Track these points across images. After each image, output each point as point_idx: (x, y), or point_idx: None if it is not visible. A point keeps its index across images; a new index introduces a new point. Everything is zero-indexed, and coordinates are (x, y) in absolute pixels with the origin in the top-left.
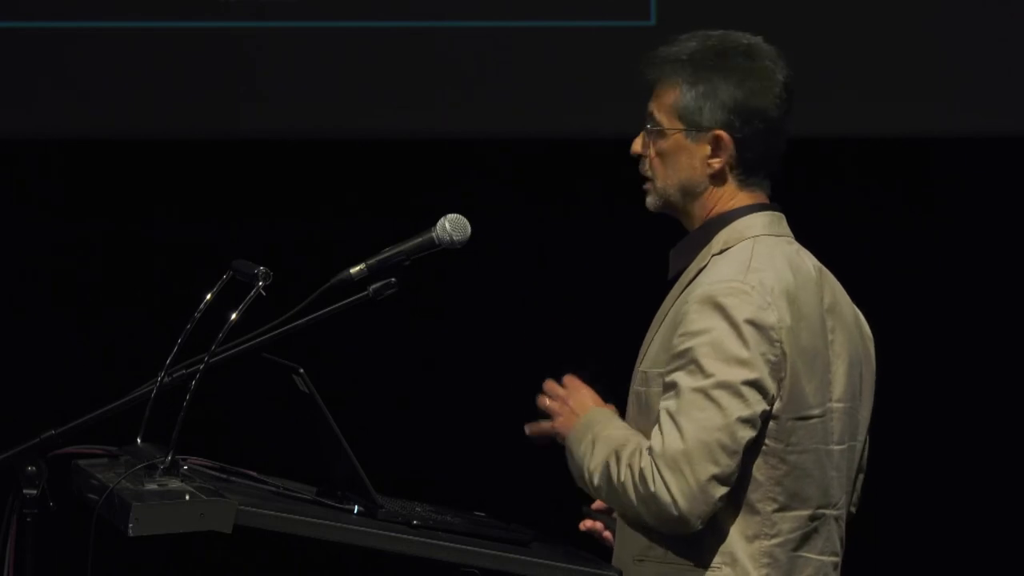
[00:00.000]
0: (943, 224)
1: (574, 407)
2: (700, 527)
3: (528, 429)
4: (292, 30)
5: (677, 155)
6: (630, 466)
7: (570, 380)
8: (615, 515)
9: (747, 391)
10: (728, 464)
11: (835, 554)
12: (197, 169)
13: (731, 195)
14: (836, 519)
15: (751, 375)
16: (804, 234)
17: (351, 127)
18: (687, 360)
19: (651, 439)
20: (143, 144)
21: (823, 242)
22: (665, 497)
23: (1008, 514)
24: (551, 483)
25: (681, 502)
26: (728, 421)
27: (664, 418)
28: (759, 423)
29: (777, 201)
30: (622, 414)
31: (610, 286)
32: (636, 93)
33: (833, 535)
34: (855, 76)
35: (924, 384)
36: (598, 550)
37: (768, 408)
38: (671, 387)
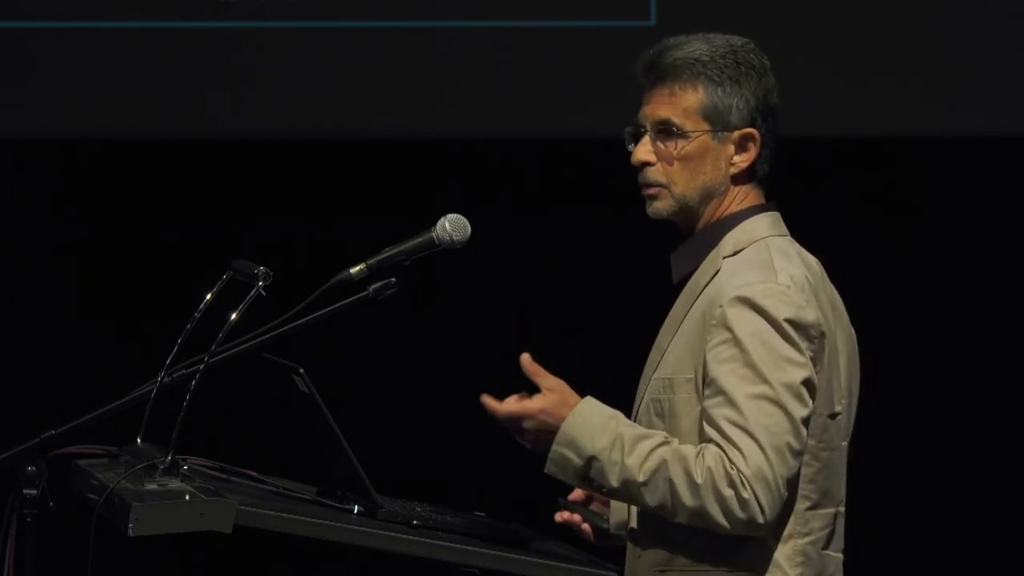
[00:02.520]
0: (942, 224)
1: (543, 424)
2: (769, 531)
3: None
4: (292, 30)
5: (703, 157)
6: (711, 469)
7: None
8: (594, 507)
9: (803, 391)
10: (795, 466)
11: (842, 551)
12: (197, 169)
13: (745, 194)
14: (842, 515)
15: (804, 374)
16: (804, 234)
17: (351, 127)
18: (739, 364)
19: (725, 451)
20: (143, 144)
21: (822, 242)
22: (755, 507)
23: (1001, 513)
24: (550, 483)
25: (768, 513)
26: (794, 423)
27: (732, 430)
28: (810, 422)
29: (776, 201)
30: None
31: (611, 287)
32: (636, 94)
33: (841, 532)
34: (854, 76)
35: (924, 384)
36: (581, 544)
37: (812, 405)
38: (722, 393)
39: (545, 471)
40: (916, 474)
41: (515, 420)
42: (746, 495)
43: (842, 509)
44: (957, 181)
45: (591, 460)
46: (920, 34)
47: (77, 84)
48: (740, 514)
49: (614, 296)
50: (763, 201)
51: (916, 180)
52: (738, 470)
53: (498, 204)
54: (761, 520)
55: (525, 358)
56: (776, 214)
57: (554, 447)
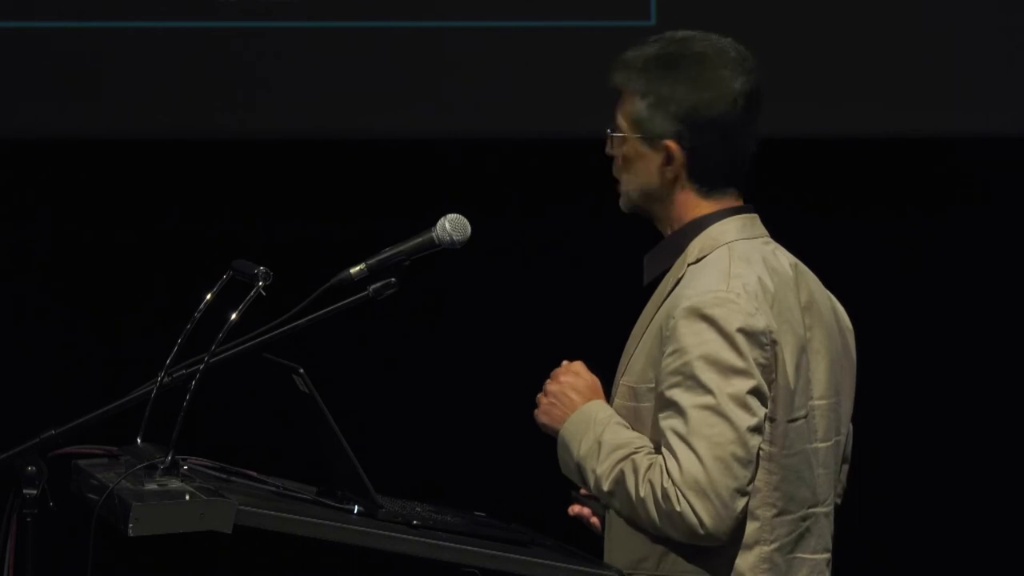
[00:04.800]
0: (942, 224)
1: (560, 399)
2: (727, 539)
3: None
4: (292, 30)
5: (636, 161)
6: (651, 482)
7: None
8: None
9: (750, 400)
10: (745, 475)
11: (827, 550)
12: (197, 169)
13: (695, 203)
14: (826, 515)
15: (751, 383)
16: (803, 234)
17: (351, 127)
18: (684, 376)
19: (665, 462)
20: (143, 144)
21: (822, 242)
22: (692, 519)
23: (1000, 511)
24: (551, 483)
25: (708, 523)
26: (739, 433)
27: (675, 440)
28: (763, 429)
29: (780, 202)
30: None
31: (610, 287)
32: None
33: (824, 532)
34: (854, 77)
35: (924, 384)
36: (590, 539)
37: (765, 412)
38: (670, 405)
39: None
40: (920, 475)
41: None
42: (679, 508)
43: (820, 510)
44: (957, 181)
45: (578, 464)
46: (920, 34)
47: (77, 84)
48: (679, 526)
49: (614, 296)
50: (734, 204)
51: (917, 180)
52: (672, 482)
53: (498, 204)
54: (702, 532)
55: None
56: (748, 216)
57: (558, 447)
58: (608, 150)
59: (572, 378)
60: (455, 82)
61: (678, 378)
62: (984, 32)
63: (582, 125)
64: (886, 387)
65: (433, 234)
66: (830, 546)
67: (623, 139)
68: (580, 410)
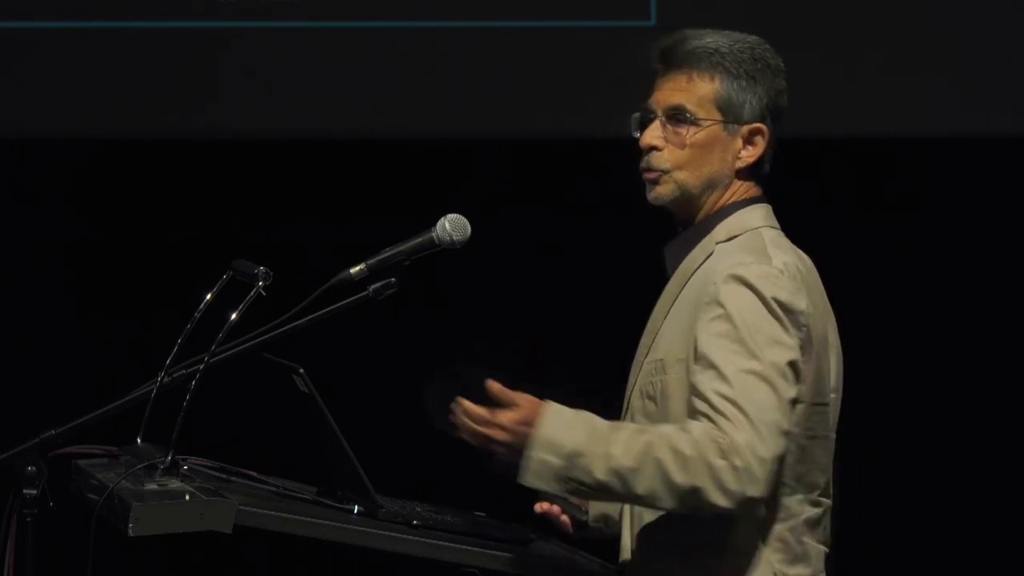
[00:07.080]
0: (942, 224)
1: (517, 436)
2: (755, 508)
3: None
4: (292, 30)
5: (711, 147)
6: (698, 441)
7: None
8: (573, 499)
9: (790, 373)
10: (783, 444)
11: (828, 544)
12: (197, 169)
13: (746, 190)
14: (830, 509)
15: (791, 356)
16: (802, 234)
17: (351, 127)
18: (729, 340)
19: (714, 421)
20: (143, 144)
21: (822, 241)
22: (747, 478)
23: (1000, 512)
24: None
25: (763, 486)
26: (782, 402)
27: (721, 402)
28: (796, 405)
29: (774, 201)
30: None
31: (610, 287)
32: (634, 94)
33: (828, 525)
34: (855, 76)
35: (924, 384)
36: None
37: (799, 389)
38: (713, 368)
39: (520, 481)
40: (925, 475)
41: (489, 430)
42: (739, 463)
43: (828, 501)
44: (957, 181)
45: (572, 457)
46: (920, 34)
47: (77, 84)
48: (733, 485)
49: (614, 296)
50: (758, 193)
51: (916, 180)
52: (730, 439)
53: (498, 204)
54: (754, 492)
55: (492, 385)
56: (768, 206)
57: (530, 454)
58: (652, 141)
59: (514, 415)
60: (454, 82)
61: (722, 341)
62: (984, 32)
63: (582, 125)
64: (886, 387)
65: (433, 234)
66: (829, 541)
67: (697, 124)
68: (545, 413)
